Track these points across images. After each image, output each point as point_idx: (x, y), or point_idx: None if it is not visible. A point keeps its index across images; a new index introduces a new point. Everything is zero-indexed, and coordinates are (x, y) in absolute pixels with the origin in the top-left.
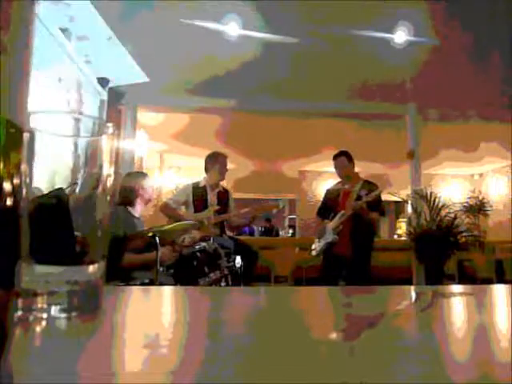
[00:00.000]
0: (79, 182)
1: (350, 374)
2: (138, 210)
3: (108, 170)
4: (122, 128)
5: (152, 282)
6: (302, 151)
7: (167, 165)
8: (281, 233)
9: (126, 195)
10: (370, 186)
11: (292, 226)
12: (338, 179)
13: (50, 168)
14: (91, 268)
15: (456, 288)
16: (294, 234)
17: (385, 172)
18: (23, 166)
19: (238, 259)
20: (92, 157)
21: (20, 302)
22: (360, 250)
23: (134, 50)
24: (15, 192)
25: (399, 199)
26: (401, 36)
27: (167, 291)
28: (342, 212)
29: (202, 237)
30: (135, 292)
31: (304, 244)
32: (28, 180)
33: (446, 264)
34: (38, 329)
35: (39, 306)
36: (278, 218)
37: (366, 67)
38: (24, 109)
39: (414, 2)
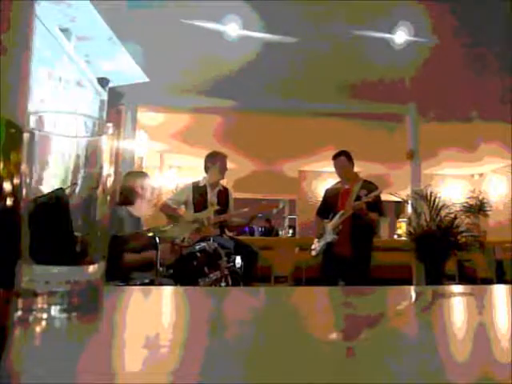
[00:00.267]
0: (79, 182)
1: (350, 374)
2: (138, 210)
3: (108, 170)
4: (121, 128)
5: (152, 283)
6: (301, 151)
7: (167, 165)
8: (281, 233)
9: (126, 195)
10: (369, 186)
11: (292, 226)
12: (338, 179)
13: (49, 168)
14: (91, 268)
15: (456, 288)
16: (293, 234)
17: (385, 172)
18: (23, 166)
19: (238, 259)
20: (92, 157)
21: (20, 302)
22: (360, 249)
23: (134, 50)
24: (15, 192)
25: (399, 199)
26: (401, 36)
27: (167, 291)
28: (342, 212)
29: (202, 237)
30: (135, 292)
31: (304, 244)
32: (28, 180)
33: (446, 264)
34: (37, 329)
35: (39, 306)
36: (277, 218)
37: (366, 67)
38: (24, 109)
39: (414, 2)
